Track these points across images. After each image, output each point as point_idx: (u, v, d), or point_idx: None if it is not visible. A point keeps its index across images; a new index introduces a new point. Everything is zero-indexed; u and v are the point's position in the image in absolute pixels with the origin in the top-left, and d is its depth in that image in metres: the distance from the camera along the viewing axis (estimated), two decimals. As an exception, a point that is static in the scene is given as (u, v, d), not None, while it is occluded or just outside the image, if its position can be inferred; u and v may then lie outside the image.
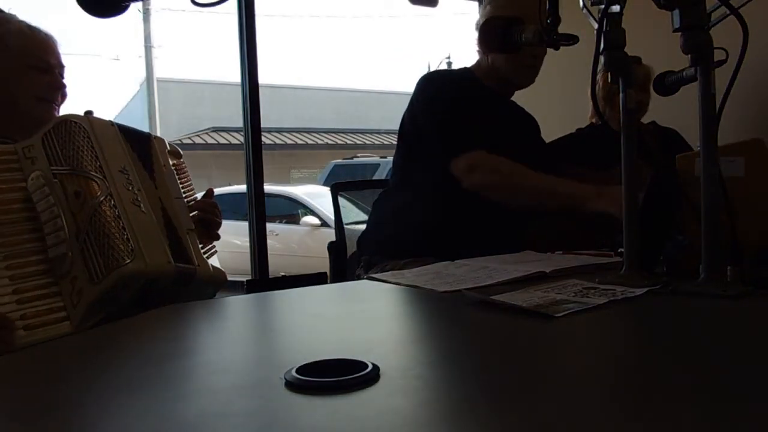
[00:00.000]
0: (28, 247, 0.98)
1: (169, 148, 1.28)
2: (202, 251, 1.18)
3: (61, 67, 1.31)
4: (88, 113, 1.12)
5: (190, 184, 1.33)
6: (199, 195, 1.37)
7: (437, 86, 1.68)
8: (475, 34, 1.68)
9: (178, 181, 1.24)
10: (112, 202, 1.02)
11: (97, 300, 0.94)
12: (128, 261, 0.97)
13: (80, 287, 0.95)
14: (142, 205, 1.07)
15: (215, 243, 1.33)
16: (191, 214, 1.23)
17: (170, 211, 1.14)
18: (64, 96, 1.32)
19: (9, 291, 0.93)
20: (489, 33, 1.55)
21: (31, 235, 0.99)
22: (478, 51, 1.74)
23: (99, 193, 1.02)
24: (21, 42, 1.25)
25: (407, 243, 1.57)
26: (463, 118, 1.58)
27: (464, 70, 1.78)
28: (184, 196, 1.23)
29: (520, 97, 1.82)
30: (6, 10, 1.30)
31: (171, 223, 1.12)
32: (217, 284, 1.19)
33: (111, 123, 1.15)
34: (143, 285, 0.99)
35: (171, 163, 1.25)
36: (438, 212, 1.59)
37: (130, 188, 1.07)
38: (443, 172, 1.56)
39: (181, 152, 1.33)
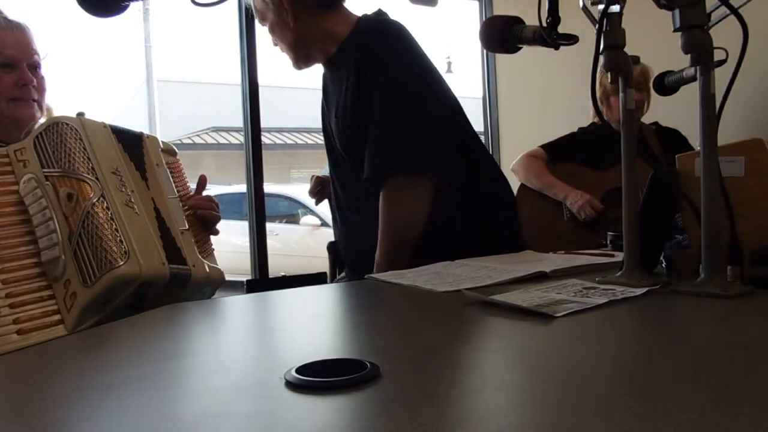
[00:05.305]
0: (21, 251, 0.97)
1: (162, 146, 1.26)
2: (197, 248, 1.17)
3: (32, 55, 1.24)
4: (80, 115, 1.11)
5: (186, 183, 1.32)
6: (193, 186, 1.34)
7: None
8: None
9: (172, 180, 1.22)
10: (105, 204, 1.01)
11: (91, 303, 0.94)
12: (122, 263, 0.96)
13: (74, 290, 0.94)
14: (135, 207, 1.06)
15: (213, 239, 1.31)
16: (187, 213, 1.22)
17: (164, 212, 1.13)
18: (41, 89, 1.26)
19: (2, 295, 0.92)
20: (489, 33, 1.55)
21: (24, 239, 0.98)
22: None
23: (92, 195, 1.01)
24: None
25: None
26: None
27: None
28: (178, 195, 1.22)
29: (522, 97, 1.82)
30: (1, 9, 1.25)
31: (164, 223, 1.11)
32: (215, 284, 1.18)
33: (103, 124, 1.14)
34: (138, 287, 0.98)
35: (165, 161, 1.23)
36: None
37: (123, 189, 1.06)
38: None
39: (176, 150, 1.31)
